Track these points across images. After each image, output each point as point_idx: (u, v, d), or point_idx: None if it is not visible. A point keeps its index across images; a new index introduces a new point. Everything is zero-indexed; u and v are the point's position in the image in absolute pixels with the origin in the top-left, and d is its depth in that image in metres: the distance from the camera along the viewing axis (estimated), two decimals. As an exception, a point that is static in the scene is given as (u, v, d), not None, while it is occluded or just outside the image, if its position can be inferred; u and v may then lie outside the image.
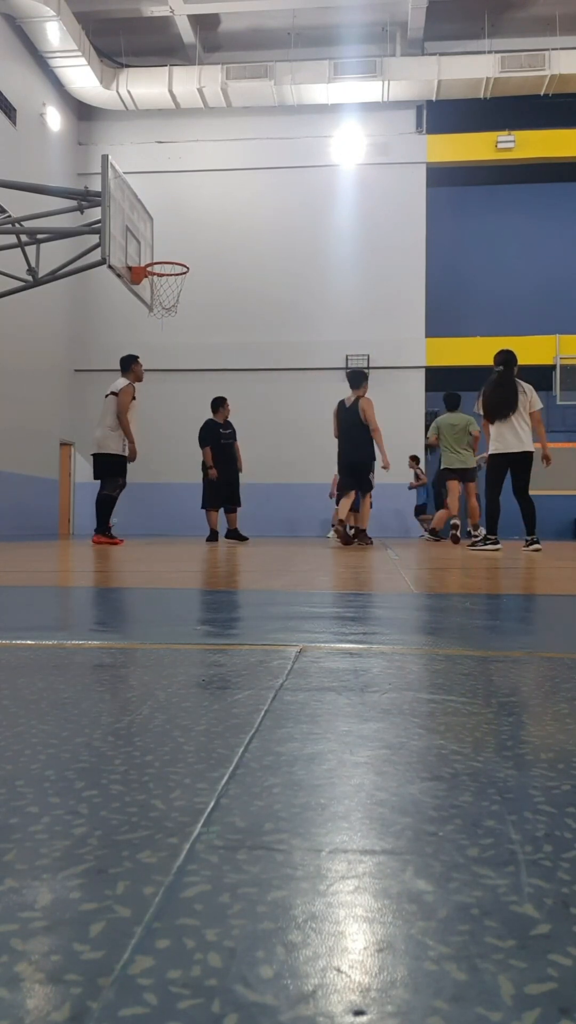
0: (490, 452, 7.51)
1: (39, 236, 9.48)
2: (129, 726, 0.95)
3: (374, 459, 8.83)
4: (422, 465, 15.10)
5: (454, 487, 10.12)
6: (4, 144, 13.71)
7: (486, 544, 7.49)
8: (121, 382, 8.52)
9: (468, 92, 15.70)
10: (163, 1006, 0.40)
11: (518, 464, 7.42)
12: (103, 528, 8.56)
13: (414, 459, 14.88)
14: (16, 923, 0.48)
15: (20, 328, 14.11)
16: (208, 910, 0.50)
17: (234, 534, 10.19)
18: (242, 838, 0.61)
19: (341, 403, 8.98)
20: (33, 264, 9.51)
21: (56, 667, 1.34)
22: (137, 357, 8.80)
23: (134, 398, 8.55)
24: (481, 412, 7.59)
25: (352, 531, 9.00)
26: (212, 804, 0.69)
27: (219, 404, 10.45)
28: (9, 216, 9.39)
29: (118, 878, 0.54)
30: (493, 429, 7.50)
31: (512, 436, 7.39)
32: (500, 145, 16.24)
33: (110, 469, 8.49)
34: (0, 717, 0.99)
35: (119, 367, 8.79)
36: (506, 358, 7.58)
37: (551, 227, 17.14)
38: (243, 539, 10.18)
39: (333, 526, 11.23)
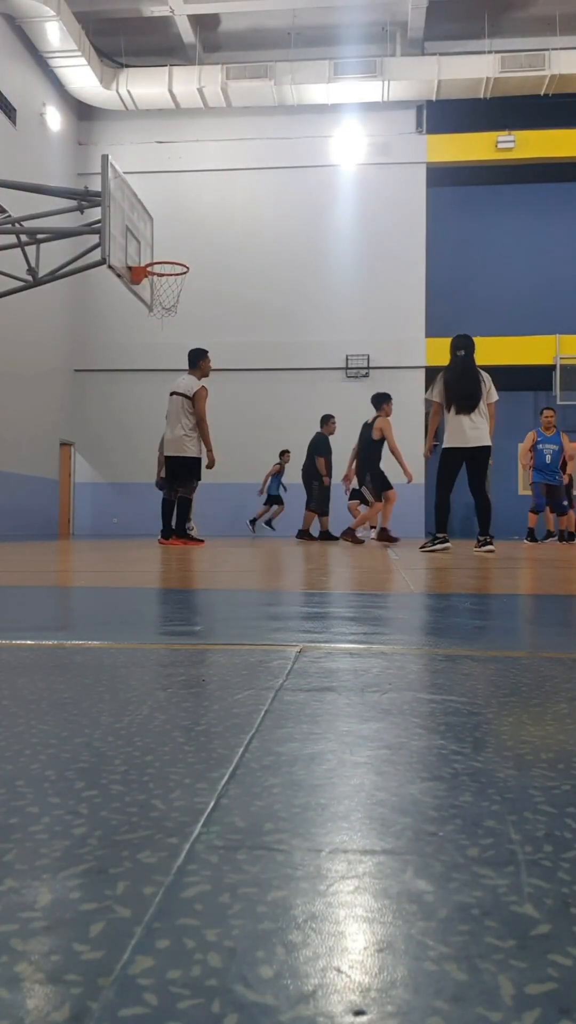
0: (445, 445, 6.92)
1: (39, 236, 9.48)
2: (129, 726, 0.95)
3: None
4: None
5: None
6: (4, 144, 13.71)
7: (435, 544, 6.95)
8: (192, 383, 8.34)
9: (468, 92, 15.70)
10: (163, 1006, 0.40)
11: (474, 459, 6.87)
12: (182, 530, 8.54)
13: None
14: (16, 923, 0.48)
15: (20, 328, 14.11)
16: (208, 910, 0.50)
17: (326, 535, 11.24)
18: (242, 838, 0.61)
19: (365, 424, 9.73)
20: (33, 264, 9.50)
21: (56, 667, 1.34)
22: (207, 352, 8.60)
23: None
24: (437, 400, 6.98)
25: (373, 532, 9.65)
26: (212, 804, 0.69)
27: (327, 419, 11.34)
28: (9, 216, 9.39)
29: (118, 878, 0.54)
30: (450, 420, 6.89)
31: (471, 429, 6.80)
32: (500, 145, 16.24)
33: (189, 472, 8.40)
34: (0, 717, 0.99)
35: (187, 362, 8.57)
36: (467, 343, 6.99)
37: (551, 227, 17.14)
38: (335, 538, 11.07)
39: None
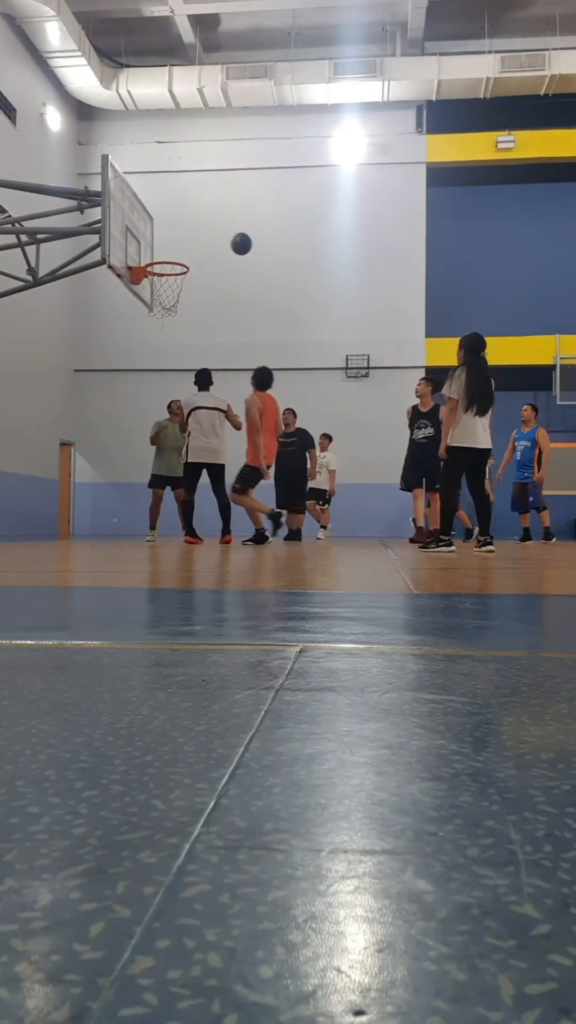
0: (456, 444, 6.80)
1: (39, 236, 9.48)
2: (129, 726, 0.95)
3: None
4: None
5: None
6: (4, 144, 13.71)
7: (439, 544, 6.91)
8: (217, 398, 8.86)
9: (468, 92, 15.70)
10: (163, 1006, 0.40)
11: (478, 460, 6.91)
12: (227, 528, 9.14)
13: None
14: (16, 923, 0.48)
15: (20, 328, 14.11)
16: (208, 910, 0.50)
17: (294, 534, 10.88)
18: (242, 838, 0.61)
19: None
20: (33, 264, 9.50)
21: (56, 667, 1.34)
22: (209, 372, 9.12)
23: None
24: (455, 397, 6.80)
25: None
26: (212, 804, 0.69)
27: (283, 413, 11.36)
28: (9, 216, 9.38)
29: (118, 878, 0.54)
30: (464, 420, 6.77)
31: (483, 431, 6.83)
32: (500, 145, 16.23)
33: (223, 475, 9.00)
34: (0, 717, 0.99)
35: (197, 382, 8.99)
36: (485, 344, 6.92)
37: (551, 227, 17.12)
38: (298, 539, 10.74)
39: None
